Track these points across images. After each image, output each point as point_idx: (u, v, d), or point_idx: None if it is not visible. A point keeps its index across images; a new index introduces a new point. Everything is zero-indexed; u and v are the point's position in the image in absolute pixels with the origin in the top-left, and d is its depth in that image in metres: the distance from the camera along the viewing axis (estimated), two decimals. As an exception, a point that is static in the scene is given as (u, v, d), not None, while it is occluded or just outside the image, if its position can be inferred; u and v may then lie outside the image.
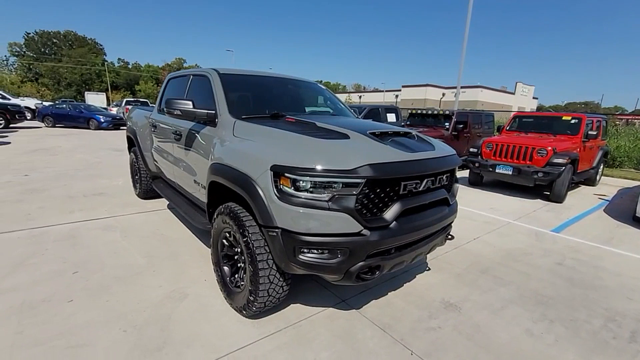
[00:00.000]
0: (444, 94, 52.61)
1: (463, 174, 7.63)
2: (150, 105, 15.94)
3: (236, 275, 2.40)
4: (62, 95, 47.37)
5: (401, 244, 2.16)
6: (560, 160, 5.92)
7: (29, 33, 57.46)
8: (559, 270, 3.38)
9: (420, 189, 2.20)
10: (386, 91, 62.81)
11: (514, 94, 58.46)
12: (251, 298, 2.14)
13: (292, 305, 2.51)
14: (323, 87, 4.03)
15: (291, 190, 1.91)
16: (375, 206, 2.01)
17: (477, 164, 6.80)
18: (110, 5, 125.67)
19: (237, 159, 2.27)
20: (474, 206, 5.58)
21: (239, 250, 2.29)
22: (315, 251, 1.94)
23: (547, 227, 4.71)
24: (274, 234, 1.96)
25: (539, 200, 6.28)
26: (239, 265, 2.37)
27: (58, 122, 16.92)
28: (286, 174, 1.90)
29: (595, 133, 6.78)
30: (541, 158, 6.00)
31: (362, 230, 1.94)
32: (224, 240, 2.45)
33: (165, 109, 2.86)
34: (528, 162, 6.14)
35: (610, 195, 7.00)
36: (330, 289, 2.75)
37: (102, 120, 16.61)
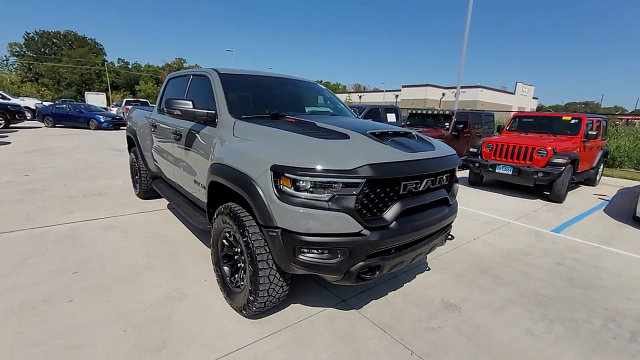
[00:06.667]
0: (444, 94, 52.59)
1: (463, 174, 7.62)
2: (150, 105, 15.93)
3: (236, 275, 2.40)
4: (62, 95, 47.36)
5: (401, 244, 2.15)
6: (560, 160, 5.91)
7: (29, 33, 57.54)
8: (559, 270, 3.38)
9: (420, 189, 2.20)
10: (386, 91, 62.80)
11: (514, 94, 58.46)
12: (251, 298, 2.14)
13: (292, 305, 2.51)
14: (323, 87, 4.03)
15: (291, 190, 1.91)
16: (375, 206, 2.01)
17: (477, 164, 6.79)
18: (110, 5, 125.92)
19: (237, 159, 2.26)
20: (474, 206, 5.58)
21: (239, 250, 2.29)
22: (315, 251, 1.94)
23: (547, 227, 4.71)
24: (274, 234, 1.96)
25: (539, 200, 6.28)
26: (239, 265, 2.37)
27: (58, 122, 16.93)
28: (286, 174, 1.90)
29: (595, 133, 6.78)
30: (541, 158, 6.00)
31: (362, 230, 1.94)
32: (224, 240, 2.45)
33: (165, 109, 2.86)
34: (528, 162, 6.14)
35: (610, 195, 7.00)
36: (330, 289, 2.75)
37: (102, 120, 16.61)
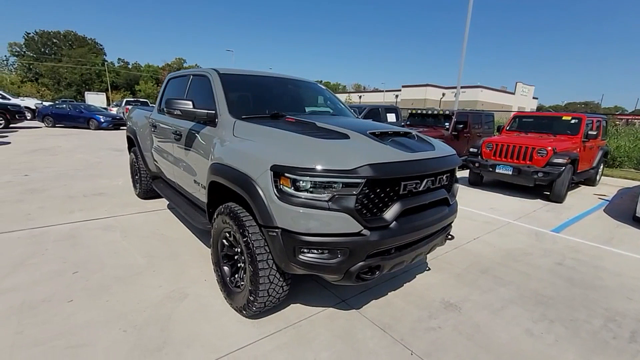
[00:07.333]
0: (444, 94, 52.58)
1: (463, 174, 7.62)
2: (150, 105, 15.93)
3: (236, 275, 2.40)
4: (62, 95, 47.34)
5: (401, 244, 2.16)
6: (560, 160, 5.92)
7: (29, 33, 57.52)
8: (559, 270, 3.38)
9: (420, 189, 2.20)
10: (386, 91, 62.80)
11: (514, 94, 58.46)
12: (251, 298, 2.14)
13: (292, 305, 2.51)
14: (323, 87, 4.03)
15: (291, 190, 1.91)
16: (375, 206, 2.01)
17: (477, 164, 6.79)
18: (110, 5, 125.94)
19: (237, 159, 2.27)
20: (474, 206, 5.58)
21: (239, 250, 2.29)
22: (315, 251, 1.94)
23: (547, 227, 4.71)
24: (274, 234, 1.96)
25: (539, 200, 6.28)
26: (239, 265, 2.37)
27: (58, 122, 16.92)
28: (286, 174, 1.90)
29: (595, 133, 6.78)
30: (541, 158, 6.00)
31: (362, 230, 1.94)
32: (224, 240, 2.45)
33: (165, 109, 2.86)
34: (528, 162, 6.14)
35: (610, 195, 7.00)
36: (330, 289, 2.75)
37: (102, 120, 16.61)
